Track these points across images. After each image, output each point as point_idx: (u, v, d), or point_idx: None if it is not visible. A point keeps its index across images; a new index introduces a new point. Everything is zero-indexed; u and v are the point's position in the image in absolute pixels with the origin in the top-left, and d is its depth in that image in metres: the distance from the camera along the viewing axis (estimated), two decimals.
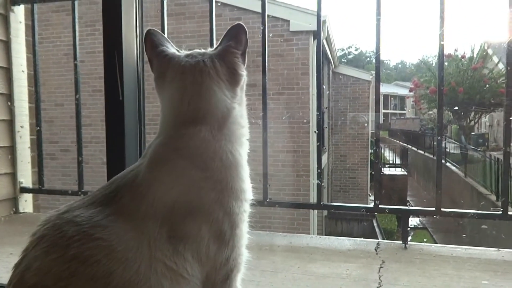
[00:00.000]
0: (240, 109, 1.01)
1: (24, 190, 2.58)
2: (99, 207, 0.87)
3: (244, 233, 0.94)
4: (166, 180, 0.89)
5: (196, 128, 0.92)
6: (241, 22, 1.01)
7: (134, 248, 0.81)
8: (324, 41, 9.58)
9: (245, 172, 0.97)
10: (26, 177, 2.61)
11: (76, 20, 2.20)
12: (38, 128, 2.48)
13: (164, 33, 1.99)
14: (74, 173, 2.39)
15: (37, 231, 0.85)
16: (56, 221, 0.85)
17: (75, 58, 2.24)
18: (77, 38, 2.22)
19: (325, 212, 10.85)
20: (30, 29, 2.44)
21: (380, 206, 1.97)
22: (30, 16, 2.44)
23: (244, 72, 1.02)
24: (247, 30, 1.00)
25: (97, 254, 0.79)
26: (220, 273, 0.90)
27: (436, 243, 11.24)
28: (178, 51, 1.06)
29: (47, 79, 8.29)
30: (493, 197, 10.09)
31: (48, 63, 8.45)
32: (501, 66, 14.22)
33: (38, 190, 2.58)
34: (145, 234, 0.83)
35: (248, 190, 0.96)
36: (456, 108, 15.99)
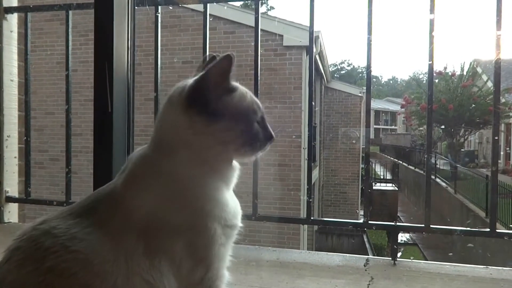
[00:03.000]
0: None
1: (10, 199, 2.53)
2: (77, 219, 0.86)
3: (223, 256, 0.92)
4: (140, 195, 0.88)
5: (174, 150, 0.92)
6: (218, 55, 0.97)
7: (111, 261, 0.80)
8: (317, 56, 9.69)
9: (223, 197, 0.94)
10: (12, 186, 2.57)
11: (70, 29, 2.20)
12: (26, 138, 2.46)
13: (157, 45, 2.00)
14: (63, 183, 2.35)
15: (12, 244, 0.84)
16: (32, 233, 0.84)
17: (67, 68, 2.23)
18: (70, 48, 2.21)
19: (316, 227, 10.82)
20: (23, 37, 2.43)
21: (369, 222, 1.97)
22: (23, 24, 2.43)
23: None
24: (222, 63, 0.92)
25: (74, 267, 0.78)
26: None
27: (426, 259, 11.24)
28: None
29: (39, 88, 8.24)
30: (483, 214, 10.18)
31: (40, 71, 8.41)
32: (490, 84, 14.50)
33: (24, 200, 2.54)
34: (121, 247, 0.82)
35: (227, 217, 0.93)
36: (443, 126, 16.23)
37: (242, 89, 0.99)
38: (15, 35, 2.56)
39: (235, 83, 0.98)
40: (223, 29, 7.82)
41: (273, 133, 1.01)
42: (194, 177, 0.91)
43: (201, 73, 0.92)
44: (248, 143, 0.96)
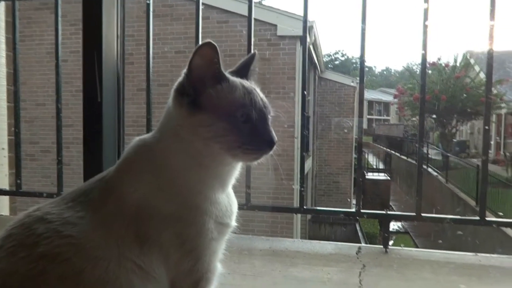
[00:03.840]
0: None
1: (0, 192, 2.51)
2: (70, 203, 0.86)
3: (214, 249, 0.91)
4: (132, 182, 0.88)
5: (169, 140, 0.91)
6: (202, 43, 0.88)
7: (103, 245, 0.81)
8: (311, 47, 9.66)
9: (214, 195, 0.91)
10: (2, 179, 2.55)
11: (59, 18, 2.16)
12: (15, 129, 2.42)
13: (149, 34, 1.98)
14: (54, 175, 2.33)
15: (3, 232, 0.83)
16: (25, 220, 0.84)
17: (57, 58, 2.19)
18: (60, 37, 2.18)
19: (309, 216, 10.90)
20: (11, 26, 2.39)
21: (361, 210, 1.99)
22: (11, 13, 2.39)
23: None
24: (200, 51, 0.87)
25: (66, 252, 0.78)
26: (185, 282, 0.89)
27: (417, 247, 11.40)
28: None
29: (29, 78, 8.13)
30: (473, 202, 10.32)
31: (30, 62, 8.28)
32: (482, 75, 14.59)
33: (14, 192, 2.51)
34: (113, 232, 0.83)
35: (218, 214, 0.91)
36: (436, 117, 16.33)
37: (235, 81, 0.91)
38: (2, 24, 2.52)
39: (230, 76, 0.92)
40: (216, 19, 7.75)
41: (274, 137, 0.90)
42: (185, 169, 0.90)
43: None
44: (235, 145, 0.87)
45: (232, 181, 0.98)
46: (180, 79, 0.91)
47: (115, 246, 0.82)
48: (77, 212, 0.84)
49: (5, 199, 2.58)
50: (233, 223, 0.97)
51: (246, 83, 0.94)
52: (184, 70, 0.90)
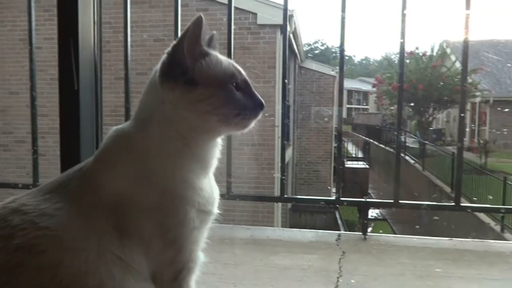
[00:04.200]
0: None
1: None
2: (47, 195, 0.85)
3: (196, 239, 0.91)
4: (111, 172, 0.87)
5: (152, 126, 0.89)
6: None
7: (82, 237, 0.80)
8: (291, 36, 9.63)
9: (197, 181, 0.90)
10: None
11: (33, 3, 2.08)
12: None
13: (127, 22, 1.93)
14: (30, 166, 2.27)
15: None
16: (0, 212, 0.82)
17: (30, 44, 2.12)
18: (33, 23, 2.10)
19: (289, 205, 11.00)
20: None
21: (341, 198, 2.02)
22: None
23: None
24: (194, 26, 0.88)
25: (43, 244, 0.77)
26: (167, 272, 0.88)
27: (395, 233, 11.69)
28: None
29: (1, 66, 7.85)
30: (448, 189, 10.62)
31: (2, 48, 8.00)
32: (458, 64, 14.89)
33: None
34: (92, 223, 0.82)
35: (201, 201, 0.90)
36: (413, 105, 16.64)
37: (216, 53, 0.94)
38: None
39: (207, 48, 0.93)
40: (195, 6, 7.61)
41: (262, 100, 0.94)
42: (167, 157, 0.88)
43: (172, 44, 0.89)
44: (235, 112, 0.89)
45: (215, 163, 0.98)
46: (163, 60, 0.89)
47: (94, 237, 0.80)
48: (54, 203, 0.82)
49: None
50: (216, 210, 0.96)
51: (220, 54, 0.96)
52: (167, 50, 0.89)
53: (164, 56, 0.90)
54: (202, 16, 0.87)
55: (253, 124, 0.95)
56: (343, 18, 1.87)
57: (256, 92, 0.95)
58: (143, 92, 0.94)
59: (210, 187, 0.95)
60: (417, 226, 10.42)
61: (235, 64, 0.96)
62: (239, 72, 0.94)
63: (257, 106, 0.93)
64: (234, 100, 0.89)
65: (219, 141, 0.98)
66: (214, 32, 0.99)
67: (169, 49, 0.89)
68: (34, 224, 0.78)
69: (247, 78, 0.95)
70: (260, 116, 0.95)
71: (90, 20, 1.32)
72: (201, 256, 0.94)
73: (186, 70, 0.87)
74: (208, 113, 0.88)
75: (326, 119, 13.44)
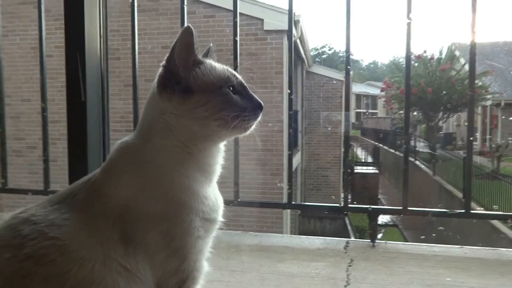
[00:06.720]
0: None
1: None
2: (56, 205, 0.86)
3: (201, 248, 0.91)
4: (117, 183, 0.88)
5: (156, 137, 0.91)
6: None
7: (88, 246, 0.81)
8: (298, 41, 9.64)
9: (202, 189, 0.91)
10: None
11: (43, 13, 2.11)
12: None
13: (134, 30, 1.95)
14: (42, 171, 2.31)
15: None
16: (11, 221, 0.84)
17: (41, 53, 2.15)
18: (44, 32, 2.13)
19: (298, 211, 10.96)
20: None
21: (348, 205, 2.01)
22: None
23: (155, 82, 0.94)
24: (183, 37, 0.90)
25: (52, 254, 0.78)
26: (171, 282, 0.88)
27: (406, 240, 11.57)
28: None
29: (14, 74, 7.98)
30: (460, 194, 10.47)
31: (14, 57, 8.13)
32: (467, 67, 14.72)
33: (0, 189, 2.48)
34: (98, 233, 0.83)
35: (205, 210, 0.91)
36: (422, 109, 16.48)
37: (210, 60, 0.97)
38: None
39: (203, 58, 0.95)
40: (202, 13, 7.67)
41: (260, 101, 0.95)
42: (170, 166, 0.90)
43: (166, 56, 0.91)
44: (234, 115, 0.90)
45: (218, 170, 0.98)
46: (160, 72, 0.92)
47: (100, 247, 0.82)
48: (62, 214, 0.84)
49: None
50: (220, 218, 0.97)
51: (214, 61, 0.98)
52: (163, 63, 0.92)
53: (160, 69, 0.92)
54: (190, 26, 0.89)
55: (253, 126, 0.95)
56: (348, 21, 1.87)
57: (254, 94, 0.96)
58: (145, 104, 0.96)
59: (214, 195, 0.96)
60: (430, 233, 10.28)
61: (230, 69, 0.98)
62: (234, 75, 0.96)
63: (256, 107, 0.94)
64: (232, 103, 0.91)
65: (222, 148, 0.99)
66: (211, 44, 1.02)
67: (163, 62, 0.92)
68: (43, 234, 0.80)
69: (243, 81, 0.97)
70: (260, 118, 0.96)
71: (97, 32, 1.34)
72: (205, 266, 0.94)
73: (181, 79, 0.90)
74: (207, 119, 0.89)
75: (334, 124, 13.38)
